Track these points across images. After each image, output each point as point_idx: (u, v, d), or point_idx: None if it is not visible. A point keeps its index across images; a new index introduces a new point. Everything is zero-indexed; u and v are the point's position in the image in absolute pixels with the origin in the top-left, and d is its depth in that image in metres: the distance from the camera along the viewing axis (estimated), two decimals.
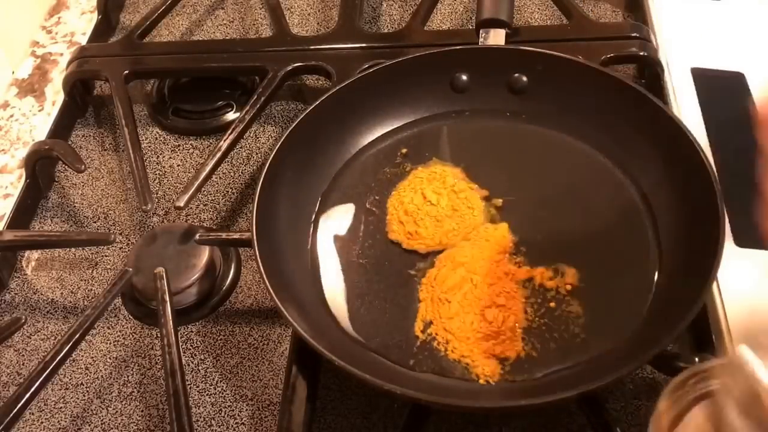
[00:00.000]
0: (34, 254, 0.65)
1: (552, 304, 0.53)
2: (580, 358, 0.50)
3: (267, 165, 0.56)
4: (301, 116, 0.59)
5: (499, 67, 0.63)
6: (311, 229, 0.59)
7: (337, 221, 0.60)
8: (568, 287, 0.53)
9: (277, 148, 0.57)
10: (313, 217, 0.60)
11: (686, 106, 0.65)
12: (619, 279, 0.54)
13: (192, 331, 0.59)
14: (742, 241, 0.56)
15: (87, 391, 0.56)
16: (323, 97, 0.61)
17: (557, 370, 0.50)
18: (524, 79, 0.63)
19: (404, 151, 0.63)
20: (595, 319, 0.52)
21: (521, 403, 0.49)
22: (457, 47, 0.64)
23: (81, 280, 0.63)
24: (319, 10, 0.82)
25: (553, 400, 0.46)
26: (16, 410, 0.50)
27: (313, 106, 0.60)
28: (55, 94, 0.76)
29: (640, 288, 0.53)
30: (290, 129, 0.59)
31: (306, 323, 0.49)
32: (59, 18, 0.84)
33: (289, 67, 0.70)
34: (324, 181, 0.62)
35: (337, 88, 0.62)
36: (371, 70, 0.63)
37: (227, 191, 0.67)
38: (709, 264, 0.48)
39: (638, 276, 0.53)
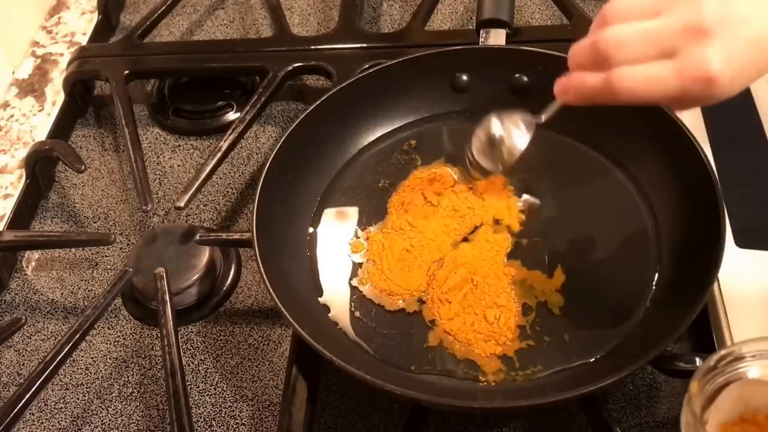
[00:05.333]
0: (35, 254, 0.65)
1: (553, 305, 0.53)
2: (581, 359, 0.50)
3: (267, 165, 0.56)
4: (302, 116, 0.59)
5: (499, 68, 0.63)
6: (311, 229, 0.59)
7: (337, 221, 0.59)
8: (568, 288, 0.53)
9: (277, 148, 0.57)
10: (314, 217, 0.60)
11: None
12: (619, 280, 0.54)
13: (192, 332, 0.59)
14: (742, 242, 0.56)
15: (87, 392, 0.56)
16: (324, 98, 0.61)
17: (558, 371, 0.50)
18: (524, 79, 0.63)
19: (413, 143, 0.63)
20: (595, 319, 0.52)
21: (521, 404, 0.49)
22: (458, 47, 0.64)
23: (81, 281, 0.63)
24: (319, 10, 0.82)
25: (553, 401, 0.46)
26: (16, 410, 0.50)
27: (313, 107, 0.60)
28: (55, 94, 0.76)
29: (639, 289, 0.53)
30: (290, 129, 0.59)
31: (306, 323, 0.49)
32: (59, 18, 0.84)
33: (290, 67, 0.70)
34: (324, 181, 0.62)
35: (338, 88, 0.62)
36: (371, 70, 0.63)
37: (227, 191, 0.67)
38: (710, 264, 0.48)
39: (638, 276, 0.53)
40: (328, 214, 0.60)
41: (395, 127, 0.64)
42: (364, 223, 0.59)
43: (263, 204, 0.55)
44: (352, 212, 0.60)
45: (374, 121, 0.64)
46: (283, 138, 0.58)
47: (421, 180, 0.61)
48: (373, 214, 0.60)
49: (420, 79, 0.64)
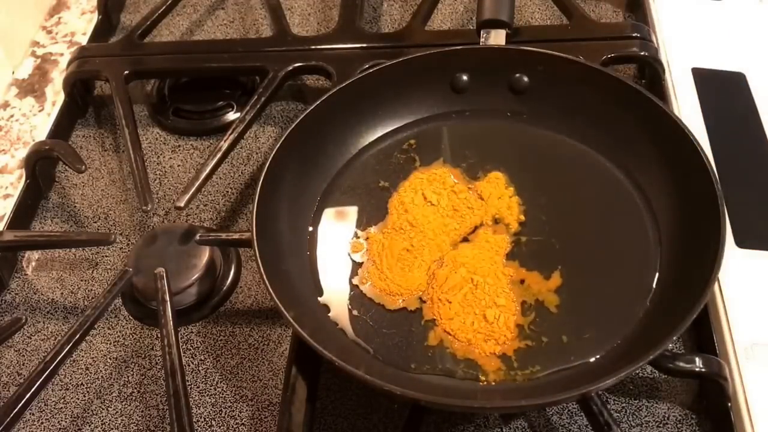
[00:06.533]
0: (35, 254, 0.65)
1: (550, 305, 0.53)
2: (581, 359, 0.50)
3: (267, 165, 0.56)
4: (302, 116, 0.59)
5: (499, 68, 0.63)
6: (311, 229, 0.59)
7: (337, 221, 0.59)
8: (567, 288, 0.53)
9: (277, 148, 0.57)
10: (314, 216, 0.60)
11: (687, 106, 0.65)
12: (619, 279, 0.54)
13: (192, 332, 0.59)
14: (742, 242, 0.56)
15: (87, 392, 0.56)
16: (323, 97, 0.61)
17: (558, 371, 0.50)
18: (525, 79, 0.63)
19: (413, 143, 0.63)
20: (595, 319, 0.52)
21: (521, 404, 0.49)
22: (458, 47, 0.64)
23: (81, 281, 0.63)
24: (319, 10, 0.82)
25: (553, 401, 0.46)
26: (16, 410, 0.50)
27: (313, 106, 0.60)
28: (56, 95, 0.76)
29: (639, 289, 0.53)
30: (290, 129, 0.59)
31: (306, 323, 0.49)
32: (59, 18, 0.84)
33: (290, 67, 0.70)
34: (324, 181, 0.62)
35: (338, 88, 0.62)
36: (371, 71, 0.63)
37: (227, 191, 0.67)
38: (710, 264, 0.48)
39: (638, 276, 0.53)
40: (328, 214, 0.60)
41: (395, 127, 0.64)
42: (364, 223, 0.59)
43: (263, 204, 0.55)
44: (352, 212, 0.60)
45: (374, 121, 0.64)
46: (283, 138, 0.58)
47: (421, 180, 0.61)
48: (373, 214, 0.60)
49: (420, 79, 0.64)
